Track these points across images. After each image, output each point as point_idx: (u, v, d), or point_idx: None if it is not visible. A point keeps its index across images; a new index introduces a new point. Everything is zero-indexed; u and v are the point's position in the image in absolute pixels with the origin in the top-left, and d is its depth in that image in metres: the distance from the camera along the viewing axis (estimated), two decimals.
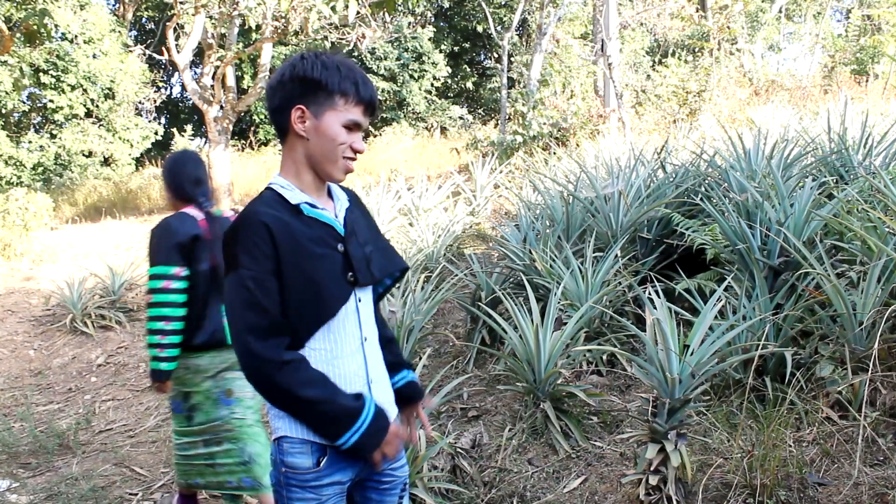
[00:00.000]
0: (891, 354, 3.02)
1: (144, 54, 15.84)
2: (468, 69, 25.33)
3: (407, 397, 1.93)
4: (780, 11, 20.21)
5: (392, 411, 1.81)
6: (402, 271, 1.92)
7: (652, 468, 2.64)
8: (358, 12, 11.05)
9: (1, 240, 9.77)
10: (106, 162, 19.34)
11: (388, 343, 1.95)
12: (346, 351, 1.71)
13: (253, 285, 1.58)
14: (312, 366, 1.65)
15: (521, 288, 4.59)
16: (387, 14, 13.13)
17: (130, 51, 17.81)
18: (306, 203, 1.68)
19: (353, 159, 1.71)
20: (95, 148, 18.37)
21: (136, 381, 5.57)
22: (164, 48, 11.79)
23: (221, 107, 12.42)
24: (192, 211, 2.98)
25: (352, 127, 1.67)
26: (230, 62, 12.30)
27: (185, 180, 3.01)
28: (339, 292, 1.68)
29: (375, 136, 18.32)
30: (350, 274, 1.70)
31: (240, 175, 15.11)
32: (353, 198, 1.87)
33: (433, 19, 23.76)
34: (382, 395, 1.80)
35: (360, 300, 1.75)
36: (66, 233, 11.63)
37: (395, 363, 1.93)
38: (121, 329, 6.62)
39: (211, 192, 3.07)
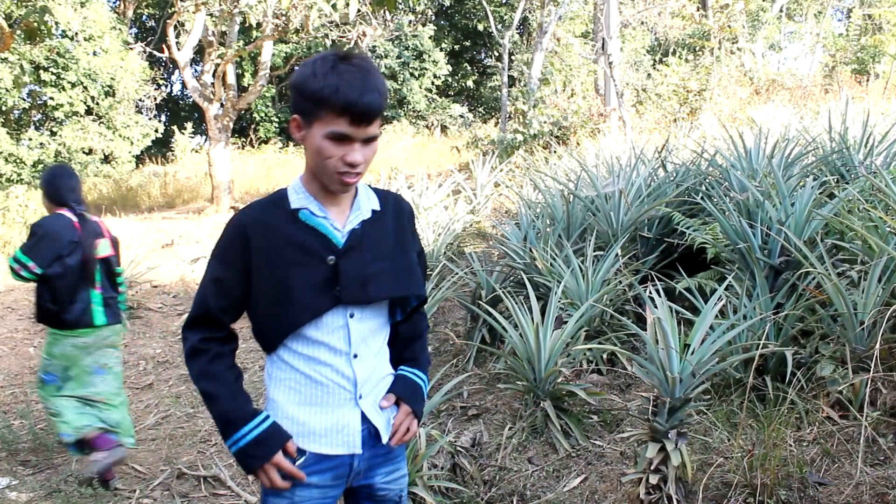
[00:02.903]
0: (892, 354, 3.01)
1: (145, 52, 15.85)
2: (469, 67, 25.34)
3: (394, 388, 1.80)
4: (781, 11, 20.20)
5: (381, 427, 1.74)
6: (418, 298, 1.81)
7: (652, 467, 2.64)
8: (359, 10, 11.06)
9: (1, 237, 9.77)
10: (106, 159, 19.33)
11: (412, 340, 1.88)
12: (328, 361, 1.66)
13: (209, 278, 1.67)
14: (294, 366, 1.66)
15: (521, 286, 4.59)
16: (387, 12, 13.13)
17: (131, 48, 17.82)
18: (306, 209, 1.63)
19: (350, 173, 1.56)
20: (95, 145, 18.36)
21: (136, 378, 5.57)
22: (164, 46, 11.79)
23: (222, 104, 12.42)
24: (66, 213, 3.61)
25: (339, 138, 1.52)
26: (231, 60, 12.30)
27: (63, 189, 3.64)
28: (313, 303, 1.61)
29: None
30: (337, 288, 1.62)
31: (240, 173, 15.11)
32: (393, 210, 1.76)
33: (434, 17, 23.76)
34: (375, 409, 1.73)
35: (352, 316, 1.66)
36: None
37: (406, 359, 1.87)
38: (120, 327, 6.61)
39: (82, 199, 3.72)
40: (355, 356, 1.67)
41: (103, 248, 3.71)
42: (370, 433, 1.71)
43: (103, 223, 3.81)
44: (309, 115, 1.54)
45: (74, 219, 3.60)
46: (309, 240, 1.62)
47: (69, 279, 3.54)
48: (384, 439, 1.73)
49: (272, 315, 1.64)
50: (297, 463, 1.65)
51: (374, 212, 1.71)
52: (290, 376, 1.67)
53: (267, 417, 1.65)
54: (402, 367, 1.84)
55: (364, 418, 1.70)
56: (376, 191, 1.78)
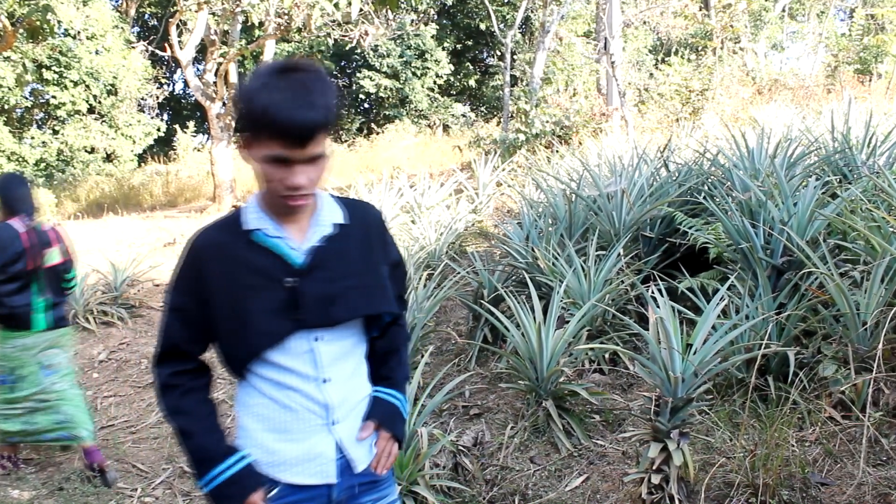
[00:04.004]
0: (894, 354, 3.01)
1: (147, 50, 15.88)
2: (471, 67, 25.34)
3: (371, 415, 1.69)
4: (784, 10, 20.17)
5: (358, 455, 1.64)
6: (391, 314, 1.70)
7: (654, 467, 2.64)
8: (361, 9, 11.05)
9: None
10: (108, 158, 19.37)
11: (388, 355, 1.76)
12: (298, 387, 1.55)
13: (168, 308, 1.60)
14: (263, 392, 1.57)
15: (523, 286, 4.58)
16: (390, 11, 13.12)
17: (133, 47, 17.87)
18: (261, 229, 1.53)
19: (294, 196, 1.45)
20: (98, 144, 18.40)
21: (138, 377, 5.57)
22: (166, 44, 11.81)
23: (224, 103, 12.43)
24: (16, 223, 3.68)
25: (278, 161, 1.41)
26: (233, 59, 12.31)
27: (14, 199, 3.72)
28: (271, 329, 1.51)
29: (378, 133, 18.33)
30: (298, 312, 1.52)
31: (242, 171, 15.11)
32: (360, 222, 1.64)
33: (436, 17, 23.75)
34: (351, 435, 1.63)
35: (318, 339, 1.55)
36: (68, 229, 11.63)
37: (382, 377, 1.75)
38: (123, 325, 6.63)
39: (33, 208, 3.79)
40: (325, 381, 1.57)
41: (52, 258, 3.82)
42: (349, 461, 1.62)
43: (56, 230, 3.91)
44: (248, 136, 1.44)
45: (23, 229, 3.69)
46: (264, 262, 1.52)
47: (11, 285, 3.66)
48: (356, 469, 1.62)
49: (231, 342, 1.55)
50: (270, 495, 1.56)
51: (337, 226, 1.59)
52: (260, 402, 1.58)
53: (244, 457, 1.56)
54: (377, 388, 1.73)
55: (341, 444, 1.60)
56: (342, 201, 1.65)
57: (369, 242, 1.64)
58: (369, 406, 1.68)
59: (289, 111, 1.35)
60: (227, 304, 1.53)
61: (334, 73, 25.24)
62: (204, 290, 1.54)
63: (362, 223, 1.64)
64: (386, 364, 1.75)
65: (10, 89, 16.53)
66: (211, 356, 1.66)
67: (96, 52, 17.95)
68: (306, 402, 1.56)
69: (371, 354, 1.74)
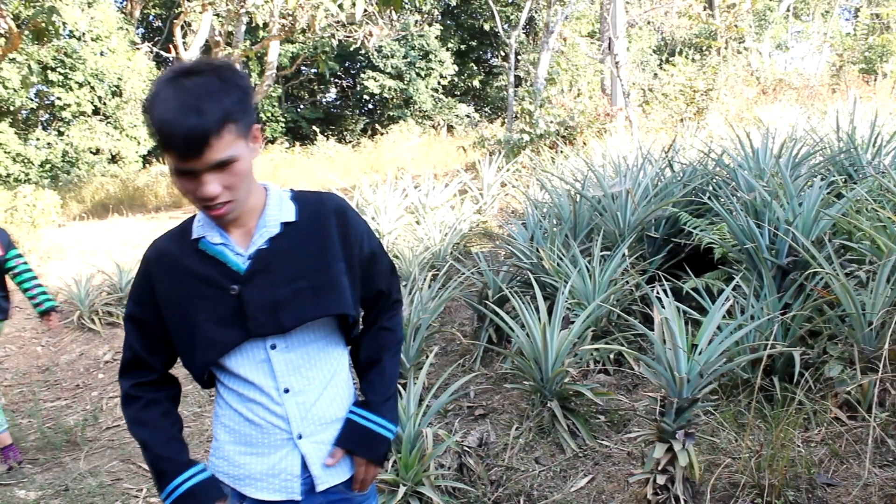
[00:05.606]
0: None
1: (152, 52, 15.93)
2: (475, 67, 25.36)
3: (341, 441, 1.59)
4: (788, 10, 20.13)
5: (322, 475, 1.57)
6: (352, 316, 1.57)
7: (659, 468, 2.63)
8: (365, 10, 11.06)
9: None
10: (113, 159, 19.43)
11: (370, 366, 1.67)
12: (258, 399, 1.51)
13: (125, 317, 1.59)
14: (229, 404, 1.54)
15: (528, 286, 4.58)
16: (394, 12, 13.12)
17: (138, 48, 17.92)
18: (205, 237, 1.49)
19: (212, 206, 1.38)
20: (103, 145, 18.46)
21: None
22: (171, 46, 11.84)
23: None
24: None
25: (182, 174, 1.35)
26: (237, 60, 12.32)
27: None
28: (220, 339, 1.46)
29: (382, 134, 18.34)
30: (244, 320, 1.47)
31: None
32: (312, 217, 1.53)
33: (440, 17, 23.76)
34: (317, 452, 1.56)
35: (273, 347, 1.48)
36: (73, 230, 11.69)
37: (363, 391, 1.67)
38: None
39: None
40: (286, 391, 1.50)
41: None
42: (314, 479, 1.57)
43: None
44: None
45: None
46: (209, 270, 1.48)
47: None
48: (318, 489, 1.56)
49: (185, 352, 1.52)
50: None
51: (284, 225, 1.50)
52: (227, 413, 1.55)
53: (203, 470, 1.53)
54: (351, 408, 1.63)
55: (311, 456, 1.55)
56: (297, 196, 1.56)
57: (324, 238, 1.53)
58: (341, 430, 1.60)
59: (173, 122, 1.28)
60: (177, 315, 1.50)
61: (338, 73, 25.28)
62: (156, 300, 1.52)
63: (316, 217, 1.53)
64: (365, 378, 1.67)
65: (15, 91, 16.60)
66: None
67: (101, 54, 18.01)
68: (268, 416, 1.51)
69: (354, 361, 1.69)
